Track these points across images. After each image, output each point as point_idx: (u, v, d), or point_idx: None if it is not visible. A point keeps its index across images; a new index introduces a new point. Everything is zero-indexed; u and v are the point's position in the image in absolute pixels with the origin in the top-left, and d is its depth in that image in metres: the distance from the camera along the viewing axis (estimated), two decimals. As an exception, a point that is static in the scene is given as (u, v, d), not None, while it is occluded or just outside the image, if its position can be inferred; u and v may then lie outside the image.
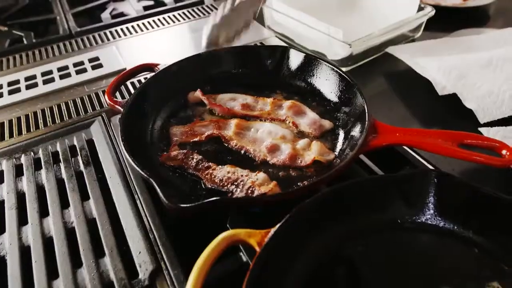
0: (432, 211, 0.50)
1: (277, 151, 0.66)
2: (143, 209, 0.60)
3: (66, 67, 1.02)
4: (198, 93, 0.78)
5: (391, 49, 0.96)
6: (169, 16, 1.26)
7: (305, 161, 0.63)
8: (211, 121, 0.73)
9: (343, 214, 0.50)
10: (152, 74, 0.78)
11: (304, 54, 0.80)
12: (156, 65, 0.81)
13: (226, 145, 0.68)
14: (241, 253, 0.51)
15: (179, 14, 1.27)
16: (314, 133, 0.69)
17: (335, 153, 0.65)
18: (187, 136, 0.70)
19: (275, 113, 0.75)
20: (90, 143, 0.75)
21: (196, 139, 0.69)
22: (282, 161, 0.64)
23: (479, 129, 0.73)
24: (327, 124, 0.71)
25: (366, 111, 0.63)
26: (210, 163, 0.63)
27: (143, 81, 0.93)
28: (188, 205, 0.48)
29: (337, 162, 0.63)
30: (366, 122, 0.60)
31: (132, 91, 0.92)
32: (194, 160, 0.64)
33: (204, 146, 0.69)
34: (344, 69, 0.90)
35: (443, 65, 0.87)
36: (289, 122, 0.72)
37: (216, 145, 0.69)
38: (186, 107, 0.79)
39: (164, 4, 1.37)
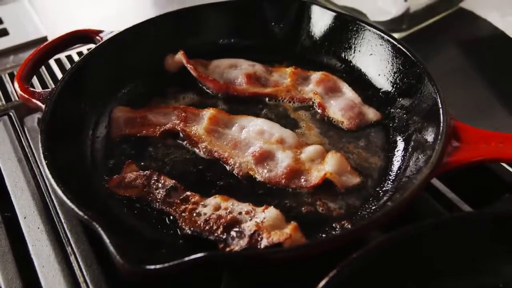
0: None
1: (270, 162, 0.66)
2: (80, 271, 0.58)
3: None
4: (180, 57, 0.80)
5: (470, 2, 0.96)
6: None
7: (310, 179, 0.63)
8: (174, 108, 0.74)
9: (411, 278, 0.48)
10: (92, 47, 0.78)
11: (335, 14, 0.80)
12: (98, 32, 0.80)
13: (191, 148, 0.70)
14: None
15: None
16: (348, 124, 0.71)
17: (392, 171, 0.65)
18: (134, 126, 0.72)
19: (297, 90, 0.77)
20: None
21: (146, 133, 0.71)
22: (275, 177, 0.63)
23: None
24: (370, 113, 0.72)
25: (440, 106, 0.61)
26: (189, 193, 0.62)
27: (77, 58, 0.93)
28: (156, 266, 0.46)
29: (393, 186, 0.62)
30: (442, 125, 0.59)
31: (60, 75, 0.91)
32: (163, 188, 0.63)
33: (174, 157, 0.69)
34: (396, 35, 0.90)
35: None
36: (315, 103, 0.74)
37: (194, 156, 0.68)
38: (147, 97, 0.79)
39: None
